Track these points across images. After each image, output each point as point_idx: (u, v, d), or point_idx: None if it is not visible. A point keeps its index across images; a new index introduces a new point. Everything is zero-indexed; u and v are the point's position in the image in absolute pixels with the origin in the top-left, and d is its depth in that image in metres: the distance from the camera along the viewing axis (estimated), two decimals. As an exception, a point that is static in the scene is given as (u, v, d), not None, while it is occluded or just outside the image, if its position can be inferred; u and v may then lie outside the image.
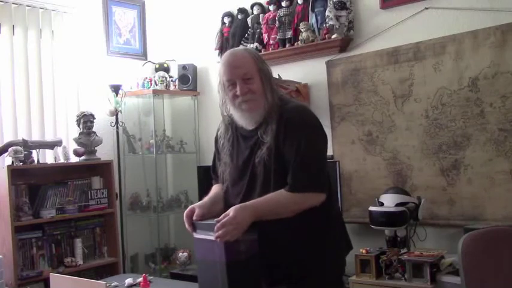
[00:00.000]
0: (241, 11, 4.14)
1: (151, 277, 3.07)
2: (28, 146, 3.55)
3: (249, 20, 4.09)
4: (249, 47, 1.95)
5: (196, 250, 1.89)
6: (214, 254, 1.76)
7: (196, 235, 1.86)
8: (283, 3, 3.82)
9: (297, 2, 3.78)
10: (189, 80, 4.41)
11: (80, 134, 3.87)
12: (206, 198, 2.04)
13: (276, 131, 1.83)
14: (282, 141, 1.82)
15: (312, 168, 1.81)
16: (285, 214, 1.80)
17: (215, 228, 1.70)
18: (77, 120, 3.87)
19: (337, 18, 3.51)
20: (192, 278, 3.38)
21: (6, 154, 3.52)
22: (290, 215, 1.80)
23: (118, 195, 4.10)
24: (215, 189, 2.11)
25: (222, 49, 4.23)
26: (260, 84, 1.87)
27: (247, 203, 1.78)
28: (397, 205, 3.04)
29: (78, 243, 3.76)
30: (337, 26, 3.51)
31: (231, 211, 1.73)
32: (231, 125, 2.00)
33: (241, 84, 1.86)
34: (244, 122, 1.92)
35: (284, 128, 1.83)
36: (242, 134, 1.97)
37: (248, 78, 1.86)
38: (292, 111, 1.87)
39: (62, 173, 3.78)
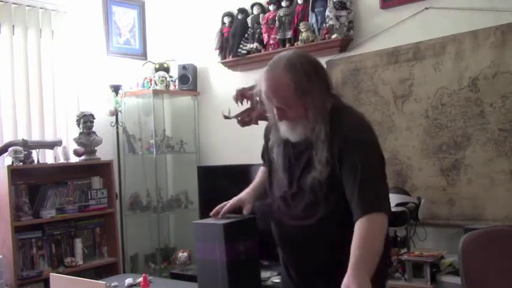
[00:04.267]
0: (241, 11, 4.14)
1: (151, 277, 3.07)
2: (28, 146, 3.55)
3: (249, 20, 4.09)
4: (294, 54, 1.74)
5: (196, 250, 1.89)
6: (215, 254, 1.76)
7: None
8: (283, 3, 3.82)
9: (297, 2, 3.78)
10: (189, 80, 4.41)
11: (80, 134, 3.87)
12: (249, 189, 2.00)
13: (329, 148, 1.68)
14: (337, 160, 1.68)
15: (378, 187, 1.66)
16: (380, 247, 1.58)
17: None
18: (77, 120, 3.88)
19: (337, 18, 3.51)
20: (192, 278, 3.37)
21: (6, 154, 3.52)
22: (382, 246, 1.59)
23: (118, 195, 4.10)
24: (259, 176, 2.05)
25: (222, 49, 4.23)
26: (301, 110, 1.69)
27: (358, 278, 1.48)
28: (397, 205, 3.03)
29: (78, 243, 3.76)
30: (337, 26, 3.51)
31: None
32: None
33: (278, 111, 1.73)
34: (287, 135, 1.79)
35: (341, 146, 1.67)
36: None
37: (280, 107, 1.71)
38: (351, 128, 1.70)
39: (62, 173, 3.78)
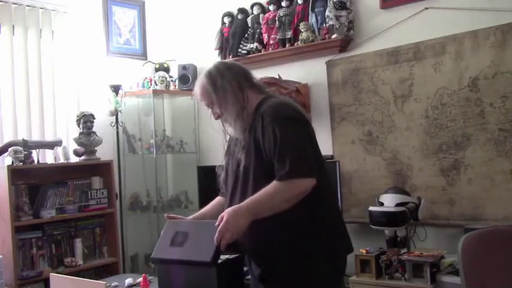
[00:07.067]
0: (241, 11, 4.14)
1: (151, 277, 3.07)
2: (28, 146, 3.54)
3: (249, 20, 4.09)
4: (214, 64, 2.08)
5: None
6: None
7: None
8: (283, 3, 3.82)
9: (297, 2, 3.78)
10: (189, 80, 4.40)
11: (80, 134, 3.87)
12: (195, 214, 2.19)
13: (254, 128, 1.90)
14: (260, 136, 1.88)
15: (292, 154, 1.81)
16: (280, 206, 1.80)
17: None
18: (77, 120, 3.87)
19: (337, 18, 3.51)
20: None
21: (6, 154, 3.52)
22: (286, 206, 1.80)
23: (118, 195, 4.10)
24: (210, 204, 2.24)
25: (222, 49, 4.24)
26: (220, 107, 1.98)
27: (240, 204, 1.81)
28: (397, 205, 3.04)
29: (78, 243, 3.76)
30: (337, 26, 3.51)
31: (224, 215, 1.78)
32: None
33: (211, 111, 2.03)
34: (231, 133, 2.05)
35: (260, 123, 1.88)
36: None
37: (211, 107, 2.02)
38: (267, 106, 1.92)
39: (62, 173, 3.78)
